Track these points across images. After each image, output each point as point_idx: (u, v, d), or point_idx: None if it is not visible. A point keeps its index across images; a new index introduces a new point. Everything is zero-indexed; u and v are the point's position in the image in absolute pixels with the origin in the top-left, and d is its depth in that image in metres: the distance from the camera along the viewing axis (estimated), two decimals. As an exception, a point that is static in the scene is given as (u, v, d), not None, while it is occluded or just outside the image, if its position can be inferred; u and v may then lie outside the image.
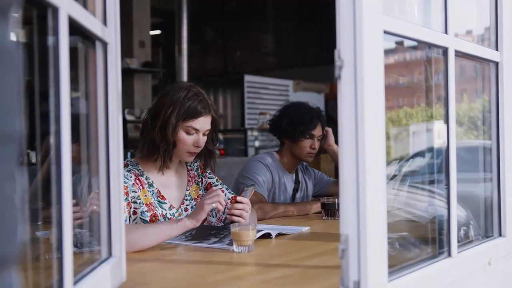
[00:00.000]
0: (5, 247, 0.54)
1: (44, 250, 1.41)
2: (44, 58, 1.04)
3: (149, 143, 2.20)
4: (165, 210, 2.22)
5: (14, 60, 0.55)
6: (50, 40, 1.03)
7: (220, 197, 2.01)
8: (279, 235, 2.17)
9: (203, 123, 2.21)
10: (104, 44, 1.35)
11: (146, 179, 2.22)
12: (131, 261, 1.58)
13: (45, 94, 1.04)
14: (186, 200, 2.33)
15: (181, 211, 2.28)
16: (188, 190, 2.35)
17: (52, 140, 1.03)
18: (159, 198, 2.22)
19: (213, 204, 1.98)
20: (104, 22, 1.35)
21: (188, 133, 2.19)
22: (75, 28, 1.12)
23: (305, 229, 2.34)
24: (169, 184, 2.29)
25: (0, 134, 0.53)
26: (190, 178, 2.38)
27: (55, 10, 1.00)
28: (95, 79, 1.35)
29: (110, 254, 1.37)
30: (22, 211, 0.57)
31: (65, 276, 1.01)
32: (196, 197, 2.36)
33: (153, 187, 2.22)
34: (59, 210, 1.02)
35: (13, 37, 0.56)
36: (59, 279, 1.02)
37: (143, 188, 2.19)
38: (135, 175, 2.17)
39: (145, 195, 2.18)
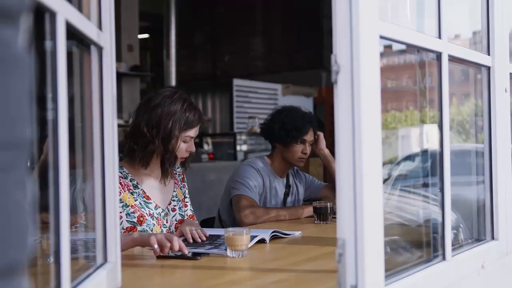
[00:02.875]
0: (16, 254, 0.54)
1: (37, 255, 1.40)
2: (41, 62, 1.03)
3: (149, 154, 2.25)
4: (151, 209, 2.27)
5: (25, 66, 0.55)
6: (47, 44, 1.02)
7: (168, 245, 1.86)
8: (274, 238, 2.18)
9: (197, 130, 2.34)
10: (100, 49, 1.34)
11: (130, 181, 2.28)
12: (126, 267, 1.57)
13: (41, 99, 1.04)
14: (174, 200, 2.41)
15: (168, 210, 2.36)
16: (175, 191, 2.43)
17: (48, 144, 1.03)
18: (144, 199, 2.28)
19: (155, 246, 1.82)
20: (100, 26, 1.34)
21: (185, 141, 2.29)
22: (71, 33, 1.11)
23: (298, 233, 2.34)
24: (155, 186, 2.35)
25: (11, 141, 0.53)
26: (176, 181, 2.46)
27: (53, 14, 0.99)
28: (90, 83, 1.35)
29: (105, 259, 1.36)
30: (32, 218, 0.57)
31: (62, 282, 1.01)
32: (181, 199, 2.45)
33: (139, 188, 2.28)
34: (56, 215, 1.01)
35: (23, 43, 0.56)
36: (56, 285, 1.01)
37: (125, 191, 2.23)
38: None
39: (129, 198, 2.23)
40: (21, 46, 0.56)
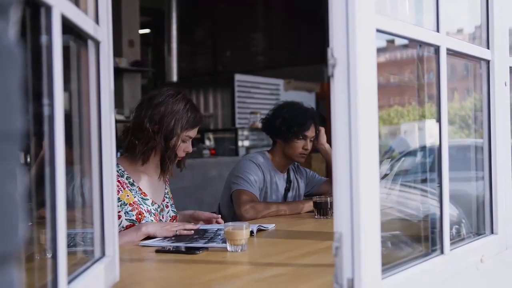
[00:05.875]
0: (7, 245, 0.54)
1: (35, 250, 1.40)
2: (36, 57, 1.03)
3: (150, 150, 2.28)
4: (149, 206, 2.31)
5: (14, 58, 0.55)
6: (43, 38, 1.02)
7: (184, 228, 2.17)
8: (259, 231, 2.22)
9: (196, 131, 2.38)
10: (97, 43, 1.34)
11: (126, 178, 2.30)
12: (124, 261, 1.58)
13: (37, 94, 1.04)
14: (166, 197, 2.45)
15: (163, 206, 2.41)
16: (166, 189, 2.48)
17: (44, 140, 1.03)
18: (141, 196, 2.31)
19: (177, 232, 2.13)
20: (97, 21, 1.34)
21: (184, 141, 2.33)
22: (67, 27, 1.11)
23: (271, 226, 2.37)
24: (150, 183, 2.38)
25: (2, 132, 0.53)
26: (167, 179, 2.50)
27: (48, 8, 0.99)
28: (87, 78, 1.35)
29: (103, 253, 1.37)
30: (23, 209, 0.57)
31: (59, 276, 1.01)
32: (171, 197, 2.51)
33: (135, 186, 2.31)
34: (52, 210, 1.01)
35: (13, 35, 0.56)
36: (53, 279, 1.01)
37: (124, 189, 2.26)
38: None
39: (127, 195, 2.26)
40: (11, 38, 0.56)
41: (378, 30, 1.24)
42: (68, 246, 1.12)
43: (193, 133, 2.34)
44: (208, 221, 2.43)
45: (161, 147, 2.28)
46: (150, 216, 2.28)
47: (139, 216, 2.24)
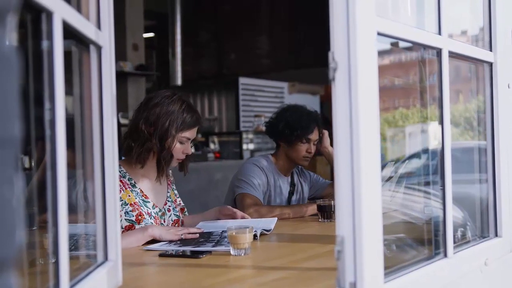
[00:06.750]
0: (4, 250, 0.54)
1: (39, 255, 1.41)
2: (38, 62, 1.04)
3: (146, 152, 2.28)
4: (149, 208, 2.32)
5: (12, 64, 0.56)
6: (44, 44, 1.02)
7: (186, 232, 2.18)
8: (262, 235, 2.22)
9: (195, 132, 2.37)
10: (98, 48, 1.35)
11: (128, 180, 2.31)
12: (127, 265, 1.58)
13: (38, 99, 1.04)
14: (168, 201, 2.45)
15: (165, 210, 2.41)
16: (169, 192, 2.47)
17: (46, 145, 1.03)
18: (143, 198, 2.32)
19: (182, 236, 2.13)
20: (98, 25, 1.35)
21: (181, 142, 2.32)
22: (69, 32, 1.12)
23: (274, 220, 2.41)
24: (151, 186, 2.38)
25: (0, 139, 0.53)
26: (169, 183, 2.50)
27: (50, 14, 1.00)
28: (89, 83, 1.35)
29: (106, 258, 1.37)
30: (21, 215, 0.57)
31: (61, 280, 1.01)
32: (174, 200, 2.49)
33: (136, 187, 2.32)
34: (54, 214, 1.01)
35: (11, 41, 0.57)
36: (55, 284, 1.01)
37: (126, 189, 2.27)
38: None
39: (129, 196, 2.27)
40: (8, 44, 0.56)
41: (379, 33, 1.24)
42: (70, 249, 1.12)
43: (190, 134, 2.33)
44: (232, 216, 2.46)
45: (157, 148, 2.28)
46: (150, 218, 2.28)
47: (139, 218, 2.24)
